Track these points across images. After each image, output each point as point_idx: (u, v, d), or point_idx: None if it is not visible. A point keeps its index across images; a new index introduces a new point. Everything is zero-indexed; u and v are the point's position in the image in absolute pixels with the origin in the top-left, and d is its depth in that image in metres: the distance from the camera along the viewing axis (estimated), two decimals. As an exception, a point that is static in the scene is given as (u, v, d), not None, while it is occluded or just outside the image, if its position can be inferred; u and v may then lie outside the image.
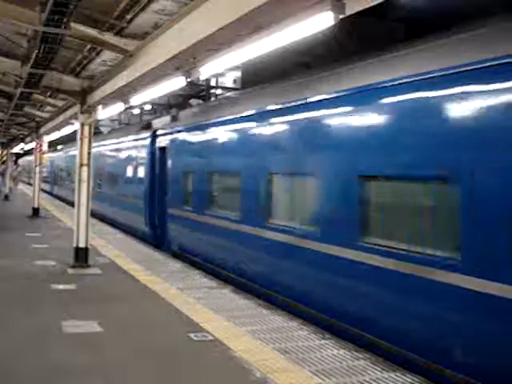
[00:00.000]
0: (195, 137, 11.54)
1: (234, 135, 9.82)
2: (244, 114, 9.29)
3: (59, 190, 30.58)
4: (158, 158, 13.68)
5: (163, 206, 13.17)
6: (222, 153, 10.22)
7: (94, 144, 19.91)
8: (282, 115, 8.13)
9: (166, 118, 14.22)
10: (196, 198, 11.24)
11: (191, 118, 12.26)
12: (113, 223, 17.58)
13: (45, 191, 32.82)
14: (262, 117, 8.68)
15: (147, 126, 15.29)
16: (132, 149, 16.20)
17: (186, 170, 11.86)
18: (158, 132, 13.86)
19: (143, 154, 14.70)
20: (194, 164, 11.42)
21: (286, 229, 7.81)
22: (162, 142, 13.48)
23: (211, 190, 10.62)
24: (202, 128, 11.09)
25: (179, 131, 12.44)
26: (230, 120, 9.82)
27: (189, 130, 11.84)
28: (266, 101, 8.68)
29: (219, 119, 10.25)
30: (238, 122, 9.50)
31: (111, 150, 19.17)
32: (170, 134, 12.98)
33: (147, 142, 14.38)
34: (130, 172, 16.12)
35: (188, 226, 11.62)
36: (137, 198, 14.99)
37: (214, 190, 10.61)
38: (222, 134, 10.24)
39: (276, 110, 8.28)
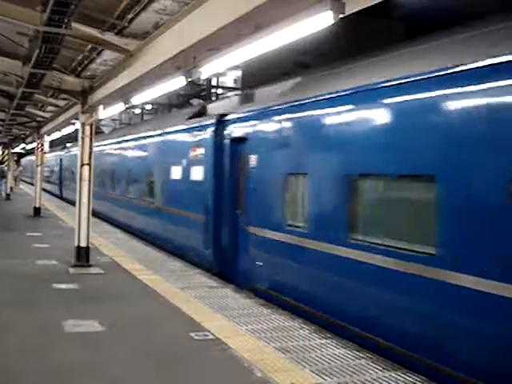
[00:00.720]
0: (321, 120, 7.40)
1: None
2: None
3: (70, 193, 25.17)
4: (228, 153, 9.94)
5: (235, 222, 9.60)
6: (396, 143, 6.02)
7: (115, 140, 18.87)
8: None
9: (232, 100, 11.01)
10: (320, 215, 7.30)
11: (296, 91, 8.17)
12: (147, 239, 13.93)
13: (52, 194, 32.28)
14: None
15: (200, 112, 11.98)
16: (179, 143, 12.32)
17: (294, 170, 7.86)
18: (229, 117, 10.06)
19: (200, 149, 10.88)
20: (316, 162, 7.41)
21: None
22: (236, 130, 9.70)
23: (358, 205, 6.63)
24: (339, 103, 6.98)
25: (279, 111, 8.29)
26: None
27: (305, 107, 7.68)
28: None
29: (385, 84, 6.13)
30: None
31: (143, 147, 15.41)
32: (256, 118, 9.04)
33: (208, 132, 10.58)
34: (176, 174, 12.15)
35: (298, 257, 7.66)
36: (190, 208, 11.19)
37: (366, 204, 6.65)
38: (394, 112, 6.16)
39: None
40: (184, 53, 5.67)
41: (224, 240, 9.91)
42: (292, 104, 7.97)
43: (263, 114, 8.81)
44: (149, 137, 14.88)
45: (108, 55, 8.76)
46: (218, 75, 22.60)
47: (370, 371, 5.10)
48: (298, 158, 7.81)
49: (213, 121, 10.51)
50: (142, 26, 6.97)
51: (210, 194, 10.27)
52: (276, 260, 8.27)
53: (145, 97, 9.13)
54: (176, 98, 25.76)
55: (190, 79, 6.92)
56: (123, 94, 9.01)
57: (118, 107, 10.42)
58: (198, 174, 10.97)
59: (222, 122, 10.22)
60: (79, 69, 10.23)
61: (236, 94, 10.73)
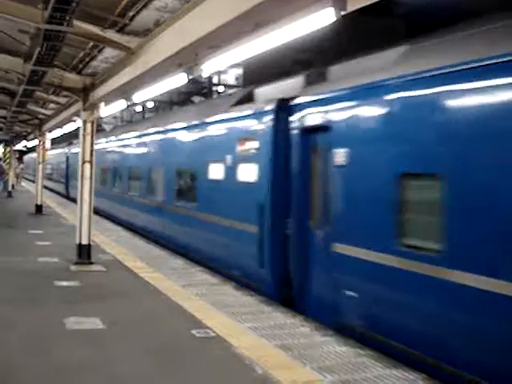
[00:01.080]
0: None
1: None
2: None
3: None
4: (296, 147, 7.87)
5: (306, 236, 7.67)
6: None
7: (136, 134, 16.86)
8: None
9: (291, 82, 8.81)
10: (473, 236, 4.90)
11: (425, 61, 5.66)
12: (179, 250, 11.77)
13: (58, 193, 31.90)
14: None
15: (246, 99, 9.94)
16: (220, 136, 10.33)
17: (418, 169, 5.63)
18: (297, 101, 7.94)
19: (252, 142, 8.82)
20: (468, 156, 5.03)
21: None
22: (311, 118, 7.58)
23: None
24: None
25: (395, 88, 5.93)
26: None
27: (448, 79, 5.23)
28: None
29: None
30: None
31: (173, 143, 13.04)
32: (348, 99, 6.83)
33: (265, 121, 8.46)
34: (218, 173, 10.00)
35: (425, 292, 5.41)
36: (239, 216, 9.12)
37: None
38: None
39: None
40: (185, 50, 5.67)
41: (287, 257, 7.95)
42: (426, 75, 5.48)
43: (362, 94, 6.52)
44: (181, 129, 12.53)
45: (109, 53, 8.78)
46: (219, 73, 22.61)
47: (372, 369, 5.10)
48: (426, 152, 5.48)
49: (272, 106, 8.31)
50: (143, 24, 6.98)
51: (266, 199, 8.24)
52: (384, 293, 5.98)
53: (146, 94, 9.14)
54: (177, 96, 25.77)
55: (191, 76, 6.92)
56: (124, 91, 9.01)
57: (120, 105, 10.43)
58: (248, 173, 8.88)
59: (283, 109, 8.15)
60: (80, 66, 10.25)
61: (295, 76, 8.74)
